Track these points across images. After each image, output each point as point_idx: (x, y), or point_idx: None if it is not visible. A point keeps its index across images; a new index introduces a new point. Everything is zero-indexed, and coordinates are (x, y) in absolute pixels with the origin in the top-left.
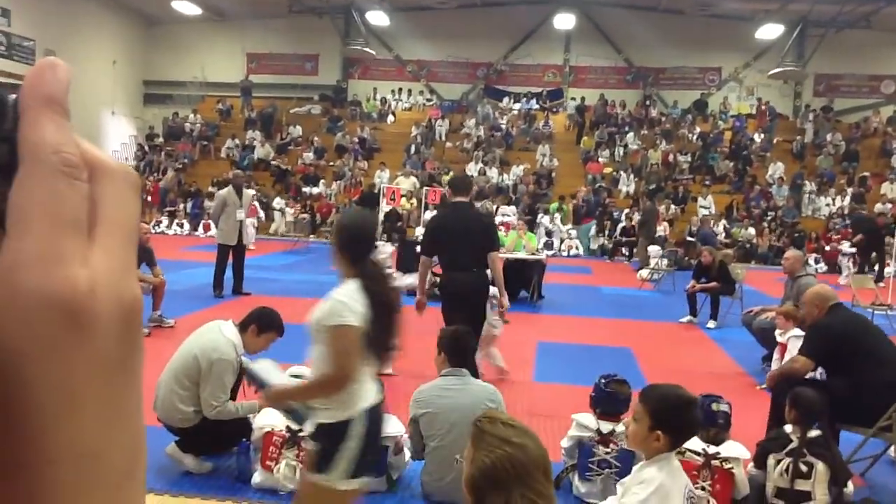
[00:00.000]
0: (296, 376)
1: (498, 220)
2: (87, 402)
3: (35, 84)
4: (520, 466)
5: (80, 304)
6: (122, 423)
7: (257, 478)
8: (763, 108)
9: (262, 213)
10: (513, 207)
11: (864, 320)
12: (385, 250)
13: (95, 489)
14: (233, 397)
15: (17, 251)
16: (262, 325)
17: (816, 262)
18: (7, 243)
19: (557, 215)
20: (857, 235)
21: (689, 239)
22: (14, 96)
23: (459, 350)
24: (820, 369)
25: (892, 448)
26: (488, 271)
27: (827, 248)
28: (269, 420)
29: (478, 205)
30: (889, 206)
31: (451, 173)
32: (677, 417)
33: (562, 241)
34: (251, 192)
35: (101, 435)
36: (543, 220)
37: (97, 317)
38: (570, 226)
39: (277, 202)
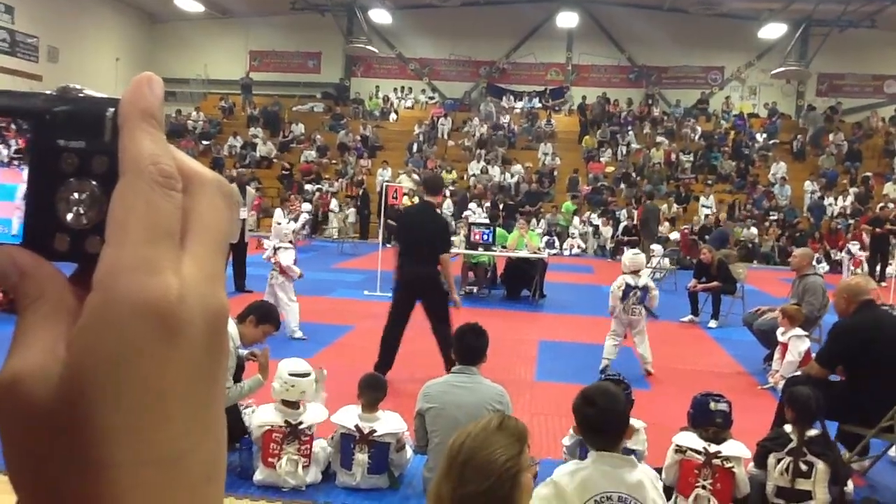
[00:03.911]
0: (295, 374)
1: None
2: (174, 408)
3: (133, 99)
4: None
5: (170, 312)
6: (205, 429)
7: (259, 475)
8: (766, 107)
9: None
10: (473, 204)
11: (891, 323)
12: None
13: (178, 490)
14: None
15: (115, 259)
16: (260, 317)
17: (818, 262)
18: (105, 251)
19: (591, 214)
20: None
21: (691, 238)
22: (112, 110)
23: (467, 347)
24: None
25: (893, 448)
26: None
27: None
28: (268, 418)
29: (470, 209)
30: (892, 205)
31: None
32: (575, 416)
33: (571, 234)
34: (254, 191)
35: (185, 439)
36: (574, 222)
37: (186, 324)
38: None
39: (335, 204)
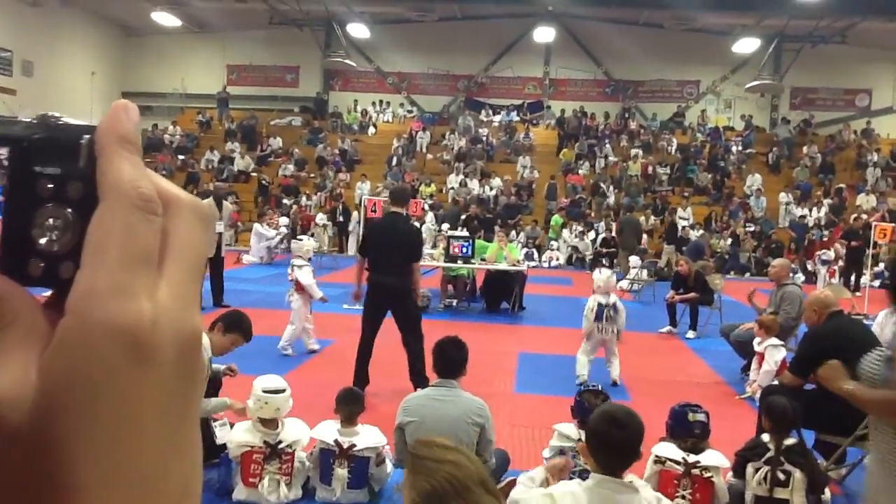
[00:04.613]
0: (269, 391)
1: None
2: (146, 431)
3: (110, 125)
4: (457, 483)
5: (143, 337)
6: (179, 451)
7: (239, 493)
8: (742, 119)
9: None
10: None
11: (860, 330)
12: (307, 245)
13: None
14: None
15: (89, 283)
16: (228, 325)
17: (794, 272)
18: (81, 274)
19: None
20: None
21: (667, 248)
22: (87, 137)
23: (446, 361)
24: None
25: (869, 456)
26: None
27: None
28: (246, 438)
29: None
30: (864, 216)
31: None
32: (596, 437)
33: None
34: (231, 205)
35: (157, 462)
36: (569, 238)
37: (158, 349)
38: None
39: (320, 218)
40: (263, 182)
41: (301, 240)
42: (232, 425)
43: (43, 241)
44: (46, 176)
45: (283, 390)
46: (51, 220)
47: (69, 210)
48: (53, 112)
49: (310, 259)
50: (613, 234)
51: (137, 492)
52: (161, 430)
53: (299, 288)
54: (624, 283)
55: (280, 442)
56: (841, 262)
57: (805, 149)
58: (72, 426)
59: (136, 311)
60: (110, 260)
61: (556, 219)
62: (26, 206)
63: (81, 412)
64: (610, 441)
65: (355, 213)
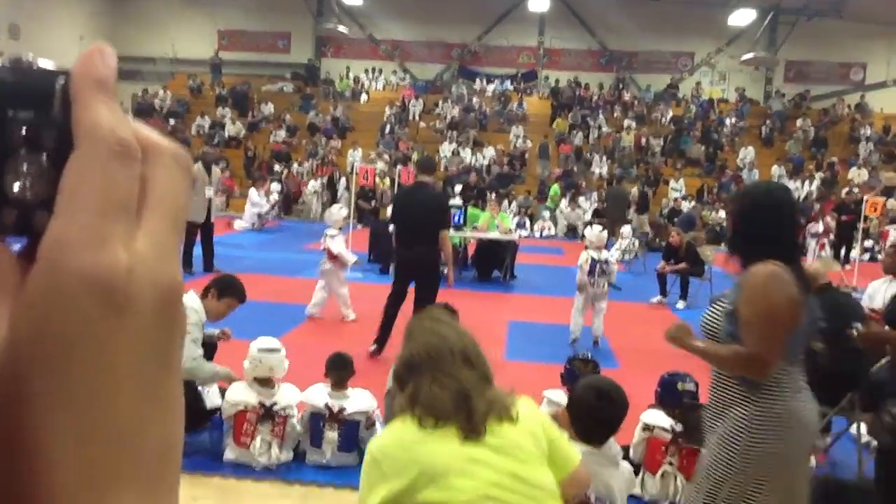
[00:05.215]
0: (265, 350)
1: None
2: (123, 384)
3: (85, 69)
4: (434, 352)
5: (118, 286)
6: (158, 406)
7: (230, 454)
8: (737, 91)
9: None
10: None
11: (847, 303)
12: (338, 215)
13: (126, 470)
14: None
15: (62, 231)
16: (221, 290)
17: None
18: (54, 222)
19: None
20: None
21: (658, 220)
22: (62, 81)
23: None
24: None
25: (854, 426)
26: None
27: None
28: (241, 397)
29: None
30: (856, 190)
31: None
32: (581, 407)
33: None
34: (221, 171)
35: (134, 417)
36: (565, 210)
37: (134, 299)
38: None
39: (312, 185)
40: (249, 154)
41: (333, 210)
42: (223, 390)
43: (16, 188)
44: (19, 121)
45: (279, 350)
46: (24, 167)
47: (43, 157)
48: (28, 54)
49: (341, 228)
50: (605, 204)
51: (114, 449)
52: (139, 382)
53: (331, 256)
54: (615, 254)
55: (275, 404)
56: (832, 236)
57: (798, 122)
58: (43, 381)
59: (110, 260)
60: (85, 207)
61: (555, 188)
62: None
63: (54, 364)
64: (597, 415)
65: (343, 180)
